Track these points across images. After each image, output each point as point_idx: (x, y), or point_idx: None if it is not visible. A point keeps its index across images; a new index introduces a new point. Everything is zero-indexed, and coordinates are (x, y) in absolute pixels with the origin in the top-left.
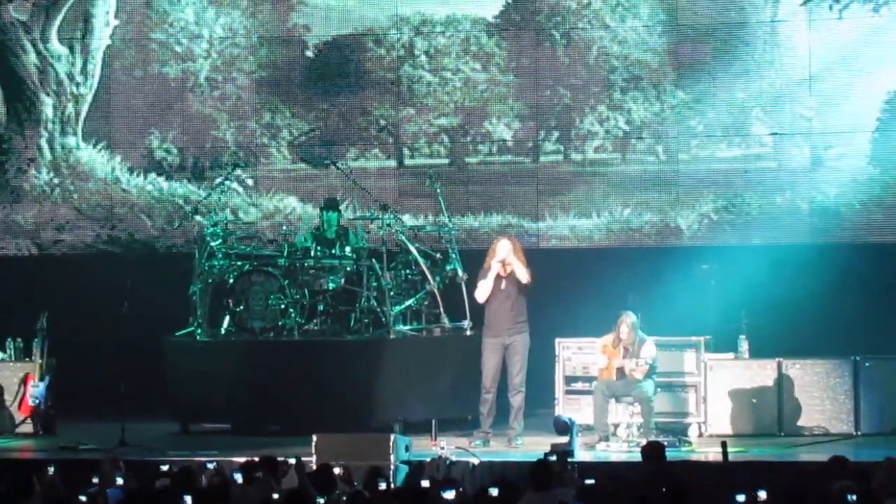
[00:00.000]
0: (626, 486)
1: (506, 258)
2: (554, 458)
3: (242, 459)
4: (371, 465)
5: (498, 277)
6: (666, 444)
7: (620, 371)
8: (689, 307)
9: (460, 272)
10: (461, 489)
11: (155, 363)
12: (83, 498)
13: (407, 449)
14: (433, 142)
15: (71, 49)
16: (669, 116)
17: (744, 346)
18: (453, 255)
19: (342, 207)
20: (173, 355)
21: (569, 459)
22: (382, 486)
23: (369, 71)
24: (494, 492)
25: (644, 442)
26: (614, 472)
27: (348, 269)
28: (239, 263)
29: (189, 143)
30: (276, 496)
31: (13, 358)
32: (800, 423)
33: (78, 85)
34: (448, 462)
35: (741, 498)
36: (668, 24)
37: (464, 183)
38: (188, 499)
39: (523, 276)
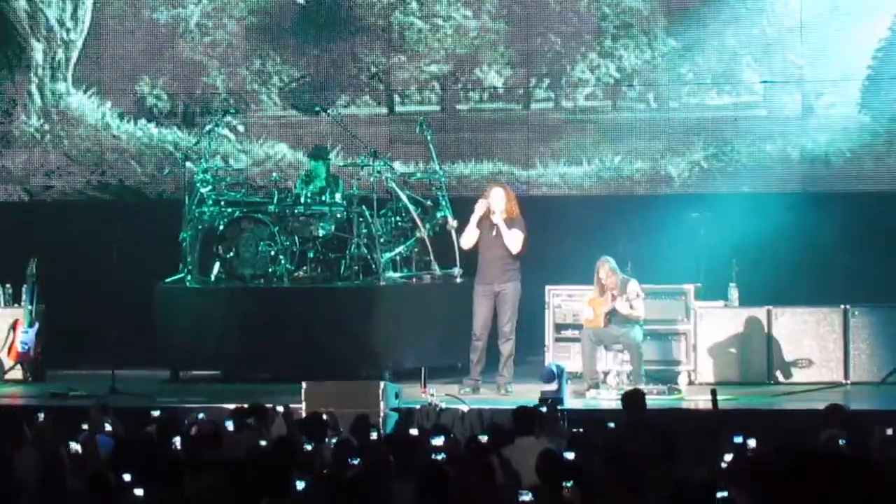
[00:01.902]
0: (607, 436)
1: (493, 210)
2: (544, 408)
3: (232, 407)
4: (358, 413)
5: (490, 225)
6: (655, 391)
7: (608, 318)
8: (679, 255)
9: (450, 219)
10: (451, 436)
11: (145, 310)
12: (75, 444)
13: (396, 396)
14: (424, 89)
15: None
16: (660, 64)
17: (734, 294)
18: (443, 203)
19: (332, 154)
20: (163, 302)
21: (558, 407)
22: (374, 435)
23: (360, 17)
24: (484, 438)
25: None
26: (603, 421)
27: (338, 216)
28: (229, 210)
29: (179, 90)
30: (264, 443)
31: (2, 304)
32: (789, 371)
33: (68, 31)
34: (437, 410)
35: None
36: None
37: (454, 130)
38: (177, 440)
39: (513, 246)
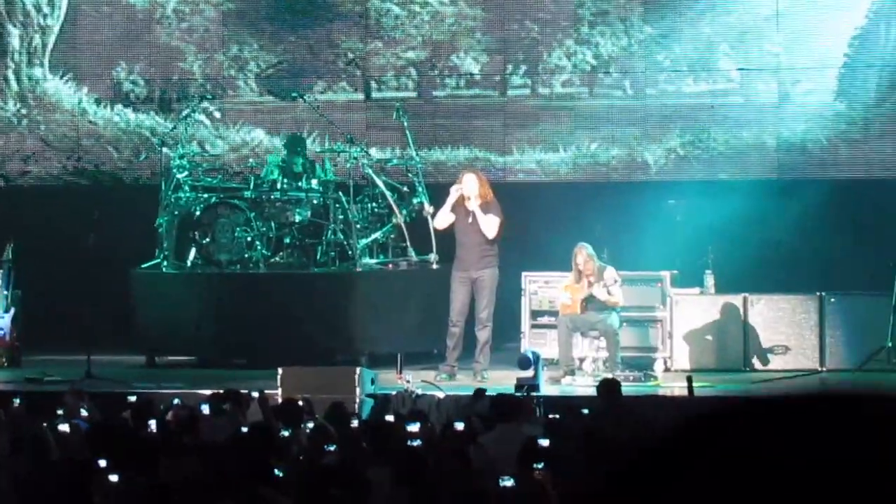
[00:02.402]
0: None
1: (467, 196)
2: (521, 394)
3: (208, 392)
4: (333, 401)
5: (466, 212)
6: (631, 378)
7: (585, 304)
8: (655, 242)
9: (427, 205)
10: (427, 423)
11: (121, 295)
12: (64, 427)
13: (372, 382)
14: (401, 75)
15: None
16: (637, 51)
17: (710, 281)
18: (420, 189)
19: (309, 140)
20: (139, 288)
21: (534, 394)
22: (354, 423)
23: (337, 4)
24: (460, 426)
25: (610, 377)
26: (579, 407)
27: (315, 201)
28: (205, 196)
29: (156, 75)
30: (243, 429)
31: None
32: (765, 358)
33: (45, 16)
34: (413, 396)
35: None
36: None
37: (431, 116)
38: (153, 423)
39: (489, 231)
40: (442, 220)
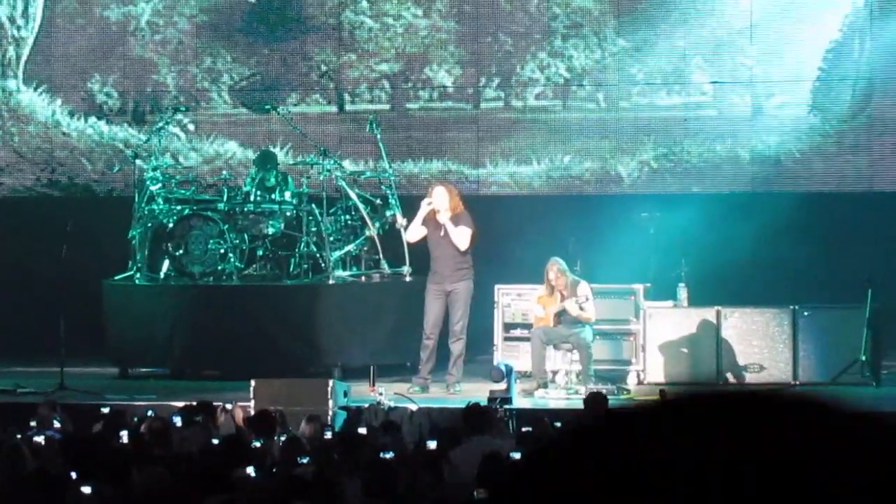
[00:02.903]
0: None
1: (437, 209)
2: (493, 405)
3: (181, 404)
4: (309, 415)
5: (437, 225)
6: (604, 391)
7: (558, 318)
8: (628, 255)
9: (400, 218)
10: (399, 435)
11: (94, 307)
12: (40, 439)
13: (345, 395)
14: (374, 87)
15: None
16: (610, 64)
17: (683, 294)
18: (393, 201)
19: (282, 153)
20: (112, 299)
21: (506, 406)
22: (327, 434)
23: (311, 16)
24: (432, 444)
25: (583, 389)
26: (552, 420)
27: (288, 214)
28: (179, 208)
29: (130, 87)
30: (215, 441)
31: None
32: (738, 371)
33: (19, 28)
34: (386, 408)
35: None
36: None
37: (404, 129)
38: (124, 434)
39: (460, 243)
40: (413, 233)
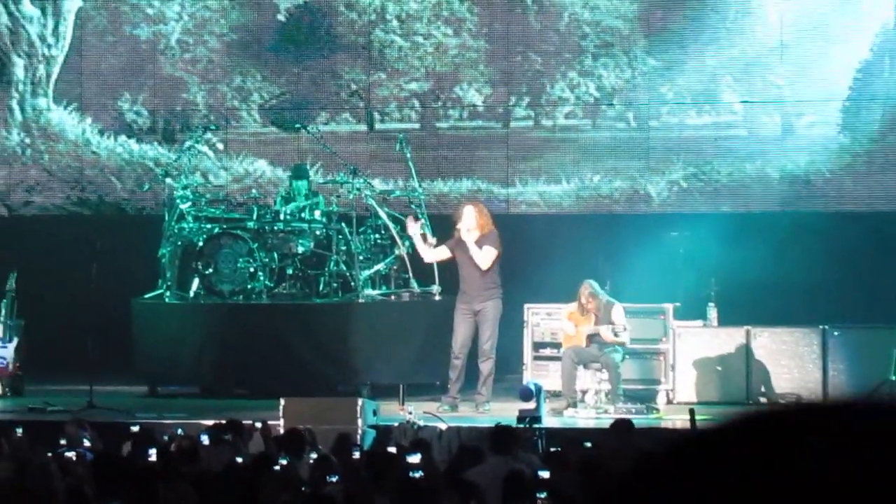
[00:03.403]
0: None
1: (461, 230)
2: (522, 425)
3: (210, 422)
4: (340, 432)
5: (465, 245)
6: (634, 411)
7: (590, 338)
8: (658, 274)
9: (429, 237)
10: (429, 455)
11: (124, 325)
12: (70, 455)
13: (374, 413)
14: (404, 106)
15: (43, 10)
16: (640, 83)
17: (712, 313)
18: (423, 220)
19: (312, 171)
20: (142, 318)
21: (535, 425)
22: (356, 454)
23: (340, 35)
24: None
25: (612, 409)
26: (581, 440)
27: (318, 232)
28: (208, 226)
29: (160, 106)
30: (241, 459)
31: None
32: (768, 391)
33: (49, 46)
34: (415, 427)
35: None
36: None
37: (434, 148)
38: (153, 451)
39: (482, 262)
40: (428, 255)
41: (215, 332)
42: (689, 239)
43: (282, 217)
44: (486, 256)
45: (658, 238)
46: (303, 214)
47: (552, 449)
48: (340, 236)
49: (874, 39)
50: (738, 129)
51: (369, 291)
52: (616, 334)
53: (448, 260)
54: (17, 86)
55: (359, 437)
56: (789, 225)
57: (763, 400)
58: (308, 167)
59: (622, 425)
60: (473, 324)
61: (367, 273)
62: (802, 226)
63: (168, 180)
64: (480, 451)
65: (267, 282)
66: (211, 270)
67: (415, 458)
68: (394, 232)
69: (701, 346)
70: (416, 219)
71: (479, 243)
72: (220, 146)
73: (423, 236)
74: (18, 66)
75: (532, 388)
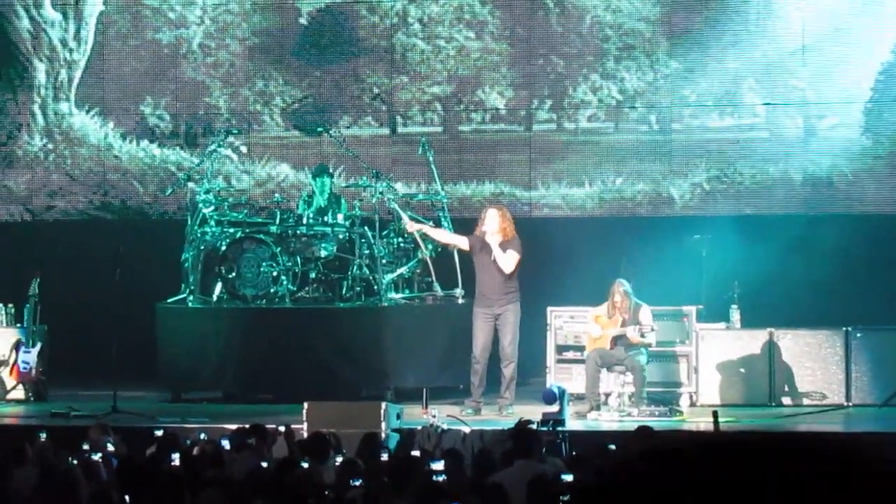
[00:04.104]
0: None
1: (486, 236)
2: (546, 428)
3: (233, 427)
4: (366, 433)
5: (486, 248)
6: (657, 413)
7: (615, 340)
8: (680, 277)
9: (408, 221)
10: (453, 458)
11: (146, 330)
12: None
13: (398, 417)
14: (426, 110)
15: (64, 15)
16: (662, 86)
17: (735, 315)
18: (445, 224)
19: (335, 175)
20: (165, 322)
21: (559, 428)
22: (381, 455)
23: (363, 38)
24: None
25: (636, 412)
26: (604, 442)
27: (340, 236)
28: (231, 230)
29: (182, 110)
30: (265, 464)
31: (4, 324)
32: (791, 393)
33: (71, 51)
34: (439, 430)
35: None
36: None
37: (456, 151)
38: (176, 456)
39: (506, 266)
40: (442, 237)
41: (238, 337)
42: (712, 241)
43: (304, 221)
44: (510, 260)
45: (681, 241)
46: (325, 218)
47: (575, 452)
48: (363, 240)
49: (895, 41)
50: (761, 132)
51: (392, 295)
52: (643, 335)
53: (460, 250)
54: (39, 90)
55: (382, 440)
56: (812, 227)
57: (786, 401)
58: (329, 167)
59: (644, 433)
60: (493, 328)
61: (390, 277)
62: (825, 228)
63: (190, 184)
64: (507, 455)
65: (290, 286)
66: (234, 274)
67: (439, 465)
68: (416, 235)
69: (724, 348)
70: (415, 221)
71: (503, 247)
72: (243, 150)
73: (428, 230)
74: (40, 71)
75: (555, 391)
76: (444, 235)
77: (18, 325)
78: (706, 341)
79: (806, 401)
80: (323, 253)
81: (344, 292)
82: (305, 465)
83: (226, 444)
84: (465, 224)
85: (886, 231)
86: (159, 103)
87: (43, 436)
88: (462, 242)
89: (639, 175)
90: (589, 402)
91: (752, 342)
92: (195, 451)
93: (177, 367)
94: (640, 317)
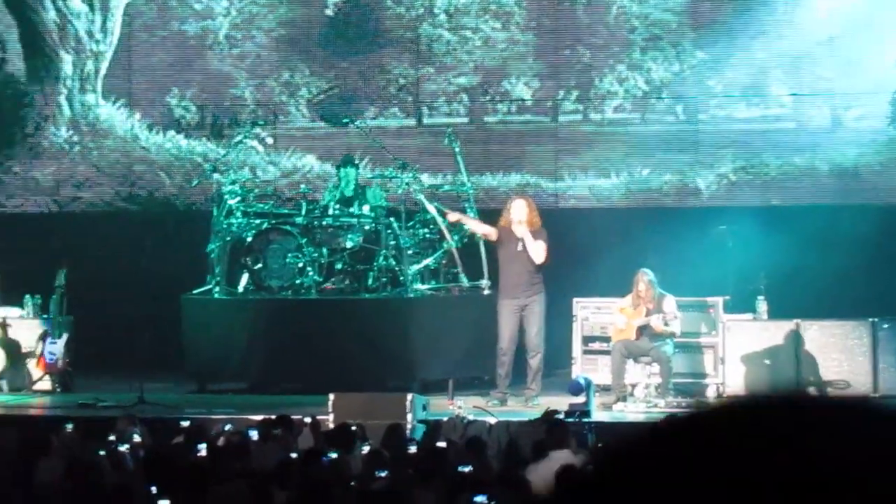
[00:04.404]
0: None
1: (513, 223)
2: (572, 419)
3: (259, 418)
4: (391, 424)
5: (514, 239)
6: (684, 404)
7: (640, 331)
8: (707, 268)
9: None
10: (479, 448)
11: (172, 321)
12: (124, 449)
13: (424, 408)
14: (452, 101)
15: (90, 6)
16: (689, 77)
17: (762, 306)
18: (471, 215)
19: (361, 165)
20: (191, 314)
21: (585, 419)
22: (407, 447)
23: (388, 29)
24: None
25: (662, 403)
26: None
27: (366, 227)
28: (257, 222)
29: (208, 101)
30: (293, 455)
31: (31, 314)
32: (818, 383)
33: (97, 42)
34: (465, 422)
35: None
36: None
37: (482, 142)
38: (202, 447)
39: (537, 257)
40: (480, 228)
41: (264, 328)
42: (738, 232)
43: (330, 212)
44: (542, 250)
45: (707, 231)
46: (351, 209)
47: (601, 444)
48: (389, 231)
49: None
50: (787, 122)
51: (418, 286)
52: (666, 324)
53: (489, 241)
54: (65, 82)
55: (408, 431)
56: (838, 218)
57: (811, 392)
58: (355, 158)
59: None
60: (519, 319)
61: (415, 268)
62: (851, 219)
63: (216, 176)
64: (539, 446)
65: (316, 277)
66: (260, 266)
67: (467, 468)
68: (443, 226)
69: (750, 339)
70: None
71: (532, 238)
72: (269, 141)
73: (465, 220)
74: (66, 63)
75: (582, 382)
76: (479, 225)
77: (45, 315)
78: (732, 332)
79: (832, 391)
80: (349, 244)
81: (370, 283)
82: (333, 455)
83: (254, 434)
84: (492, 215)
85: None
86: (185, 94)
87: (69, 427)
88: (493, 233)
89: (665, 166)
90: (615, 393)
91: (778, 333)
92: (221, 441)
93: (203, 359)
94: (664, 306)
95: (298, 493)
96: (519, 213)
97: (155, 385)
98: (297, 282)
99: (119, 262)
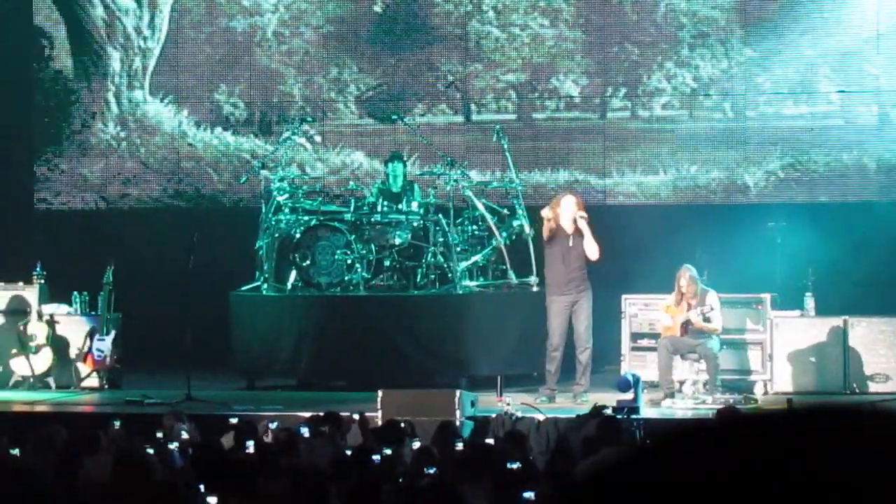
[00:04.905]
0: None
1: (578, 218)
2: (620, 415)
3: (308, 414)
4: (440, 421)
5: (565, 236)
6: (731, 401)
7: (685, 328)
8: (755, 264)
9: (527, 228)
10: (527, 445)
11: (220, 318)
12: (173, 446)
13: (472, 405)
14: (500, 97)
15: (138, 3)
16: (737, 73)
17: (810, 303)
18: (520, 211)
19: (409, 162)
20: (239, 310)
21: (633, 416)
22: (456, 444)
23: (437, 26)
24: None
25: (710, 399)
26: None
27: (415, 224)
28: (305, 218)
29: (256, 98)
30: (347, 452)
31: (79, 312)
32: (866, 381)
33: (145, 39)
34: (513, 418)
35: None
36: None
37: (531, 139)
38: (250, 444)
39: (593, 253)
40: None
41: (312, 325)
42: (786, 229)
43: (379, 209)
44: (596, 246)
45: (755, 228)
46: (399, 206)
47: (650, 440)
48: (437, 228)
49: None
50: (835, 119)
51: (467, 283)
52: (706, 319)
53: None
54: (113, 78)
55: (457, 428)
56: (886, 214)
57: (859, 390)
58: (403, 154)
59: (725, 414)
60: (569, 315)
61: (464, 264)
62: None
63: (264, 172)
64: (589, 442)
65: (364, 273)
66: (308, 262)
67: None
68: (491, 223)
69: (798, 335)
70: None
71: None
72: (318, 138)
73: (529, 234)
74: (114, 59)
75: (630, 378)
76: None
77: (93, 312)
78: (780, 329)
79: (880, 388)
80: (397, 241)
81: (418, 280)
82: (387, 451)
83: (305, 431)
84: (540, 212)
85: None
86: (233, 91)
87: (117, 423)
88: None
89: (713, 163)
90: (663, 389)
91: (825, 330)
92: (268, 438)
93: (251, 355)
94: (706, 302)
95: (351, 491)
96: (570, 210)
97: (202, 382)
98: (346, 278)
99: (167, 259)
